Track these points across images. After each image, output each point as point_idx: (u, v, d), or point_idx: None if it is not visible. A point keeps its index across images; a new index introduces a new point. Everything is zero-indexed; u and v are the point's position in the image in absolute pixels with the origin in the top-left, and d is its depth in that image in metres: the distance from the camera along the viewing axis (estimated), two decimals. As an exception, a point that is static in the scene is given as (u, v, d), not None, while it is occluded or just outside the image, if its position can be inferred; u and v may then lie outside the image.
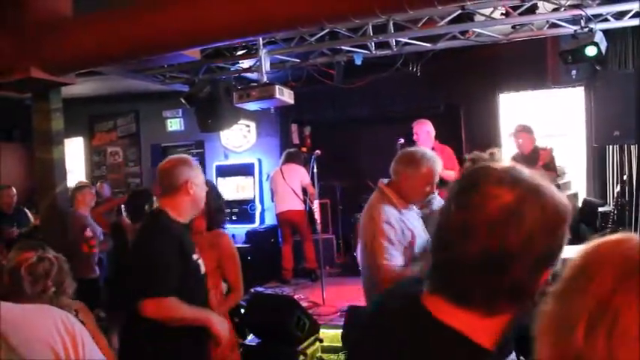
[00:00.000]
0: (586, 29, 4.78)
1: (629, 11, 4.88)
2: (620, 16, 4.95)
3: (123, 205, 5.08)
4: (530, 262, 0.86)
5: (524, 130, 5.86)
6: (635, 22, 4.98)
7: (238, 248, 4.45)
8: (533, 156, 5.81)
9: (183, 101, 6.22)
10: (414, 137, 5.57)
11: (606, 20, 4.95)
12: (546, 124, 6.70)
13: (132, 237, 3.66)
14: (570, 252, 0.81)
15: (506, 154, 6.74)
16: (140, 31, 4.11)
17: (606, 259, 0.74)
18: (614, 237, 0.78)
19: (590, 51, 4.79)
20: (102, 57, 4.51)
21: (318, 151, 6.10)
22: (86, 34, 4.30)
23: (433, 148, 5.39)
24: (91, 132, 9.35)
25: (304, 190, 6.72)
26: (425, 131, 5.54)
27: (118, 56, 4.52)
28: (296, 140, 8.09)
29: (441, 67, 6.58)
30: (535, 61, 6.36)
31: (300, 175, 6.69)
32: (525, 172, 0.92)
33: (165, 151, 9.08)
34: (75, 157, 8.96)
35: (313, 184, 6.26)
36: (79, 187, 5.38)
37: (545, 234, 0.87)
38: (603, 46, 4.82)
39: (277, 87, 5.23)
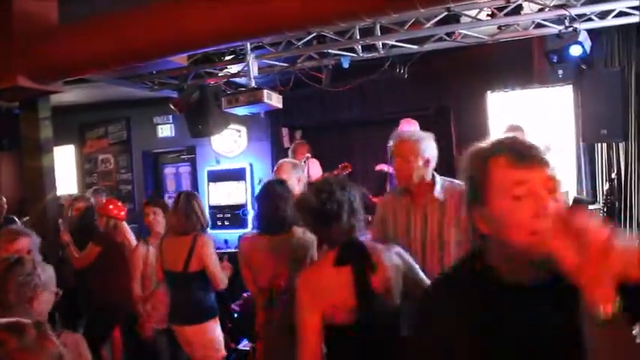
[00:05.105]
0: (570, 29, 4.81)
1: (613, 10, 4.92)
2: (603, 15, 5.00)
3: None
4: None
5: (515, 129, 5.94)
6: (618, 21, 5.02)
7: (230, 253, 4.47)
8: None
9: (172, 107, 6.21)
10: None
11: (590, 20, 4.99)
12: (536, 123, 6.73)
13: None
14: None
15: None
16: (127, 38, 4.11)
17: None
18: None
19: (575, 50, 4.83)
20: (89, 65, 4.49)
21: (308, 155, 6.10)
22: (72, 42, 4.30)
23: None
24: (81, 139, 9.33)
25: None
26: None
27: (104, 63, 4.48)
28: (287, 144, 8.07)
29: (429, 68, 6.60)
30: (522, 61, 6.40)
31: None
32: None
33: (156, 157, 9.09)
34: (66, 165, 8.94)
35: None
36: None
37: None
38: (587, 45, 4.86)
39: (265, 91, 5.24)
